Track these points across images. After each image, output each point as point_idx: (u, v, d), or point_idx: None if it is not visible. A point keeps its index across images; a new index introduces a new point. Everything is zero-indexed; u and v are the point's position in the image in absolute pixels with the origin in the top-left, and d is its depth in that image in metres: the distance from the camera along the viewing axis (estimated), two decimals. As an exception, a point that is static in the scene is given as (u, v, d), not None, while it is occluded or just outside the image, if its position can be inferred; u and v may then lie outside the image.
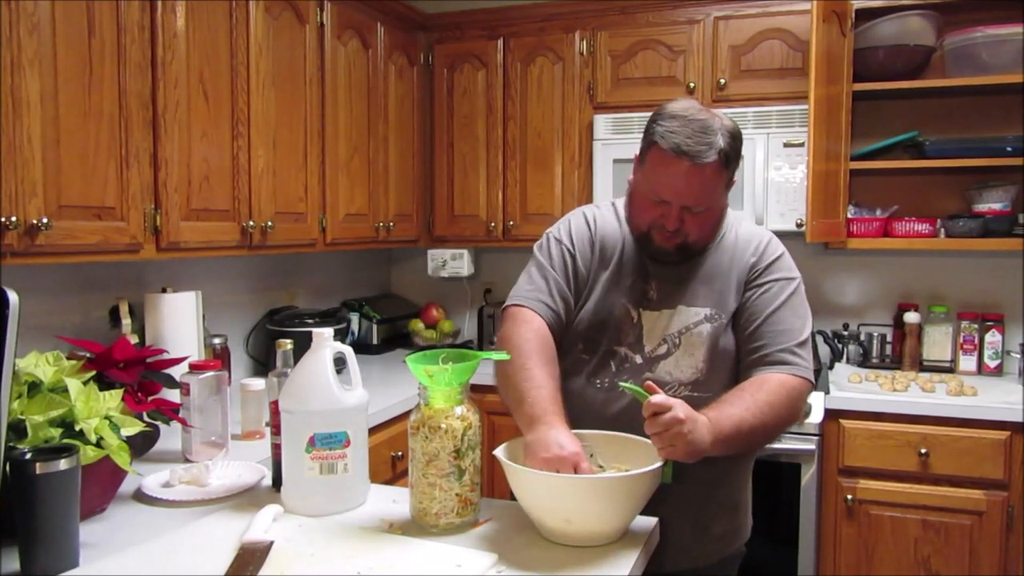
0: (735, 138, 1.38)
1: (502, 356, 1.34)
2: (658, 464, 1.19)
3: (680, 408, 1.19)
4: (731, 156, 1.37)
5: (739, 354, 1.46)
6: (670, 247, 1.43)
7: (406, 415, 2.26)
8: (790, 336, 1.41)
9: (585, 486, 1.18)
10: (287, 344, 1.49)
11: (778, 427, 1.36)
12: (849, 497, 2.47)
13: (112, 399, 1.31)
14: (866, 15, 2.68)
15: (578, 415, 1.44)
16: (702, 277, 1.47)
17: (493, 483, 2.42)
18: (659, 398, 1.20)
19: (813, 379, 1.42)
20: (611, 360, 1.47)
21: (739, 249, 1.49)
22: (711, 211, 1.41)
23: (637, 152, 1.46)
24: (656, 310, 1.47)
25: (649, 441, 1.26)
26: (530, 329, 1.43)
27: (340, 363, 1.35)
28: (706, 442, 1.22)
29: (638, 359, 1.46)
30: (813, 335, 2.82)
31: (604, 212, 1.57)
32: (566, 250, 1.52)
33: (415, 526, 1.26)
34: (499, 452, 1.26)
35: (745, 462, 1.55)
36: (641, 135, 1.45)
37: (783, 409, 1.35)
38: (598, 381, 1.47)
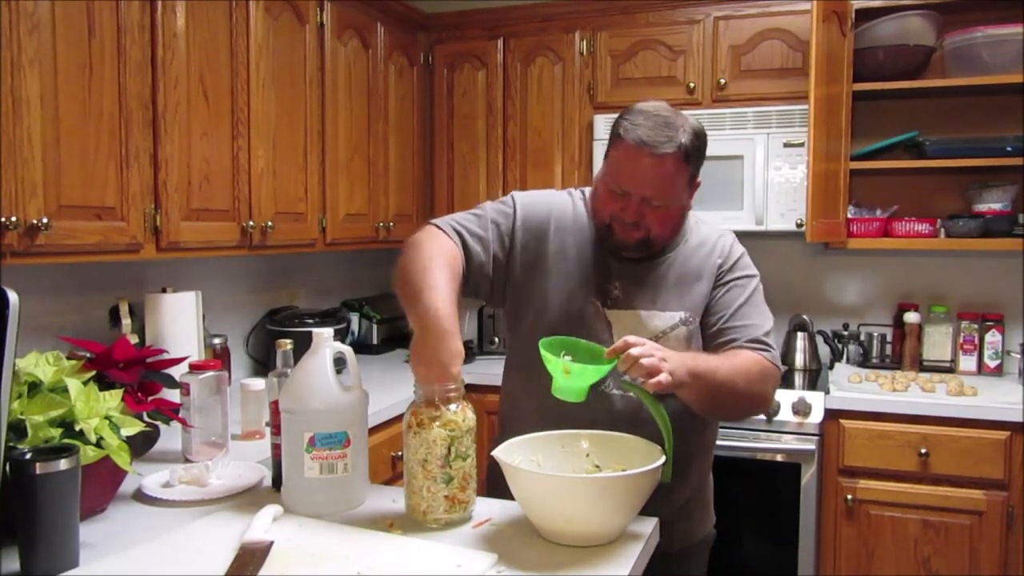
0: (698, 136, 1.41)
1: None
2: (658, 463, 1.20)
3: (633, 338, 1.25)
4: (691, 152, 1.39)
5: (709, 349, 1.47)
6: (631, 241, 1.44)
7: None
8: (756, 329, 1.45)
9: (585, 486, 1.18)
10: (287, 344, 1.49)
11: (747, 398, 1.39)
12: (849, 497, 2.47)
13: (112, 399, 1.31)
14: (866, 15, 2.68)
15: (554, 417, 1.42)
16: (672, 282, 1.49)
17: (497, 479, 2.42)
18: (631, 337, 1.25)
19: (781, 367, 1.45)
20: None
21: (705, 251, 1.51)
22: (671, 208, 1.42)
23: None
24: (622, 309, 1.48)
25: (646, 440, 1.27)
26: (444, 247, 1.41)
27: (340, 363, 1.35)
28: (685, 367, 1.26)
29: (625, 379, 1.44)
30: (812, 335, 2.87)
31: (577, 203, 1.55)
32: (511, 218, 1.51)
33: (415, 524, 1.26)
34: (499, 452, 1.26)
35: (703, 450, 1.57)
36: None
37: (755, 382, 1.38)
38: None
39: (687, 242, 1.52)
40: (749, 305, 1.48)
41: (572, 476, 1.23)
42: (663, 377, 1.21)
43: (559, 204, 1.55)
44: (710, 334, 1.47)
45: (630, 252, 1.46)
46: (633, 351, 1.22)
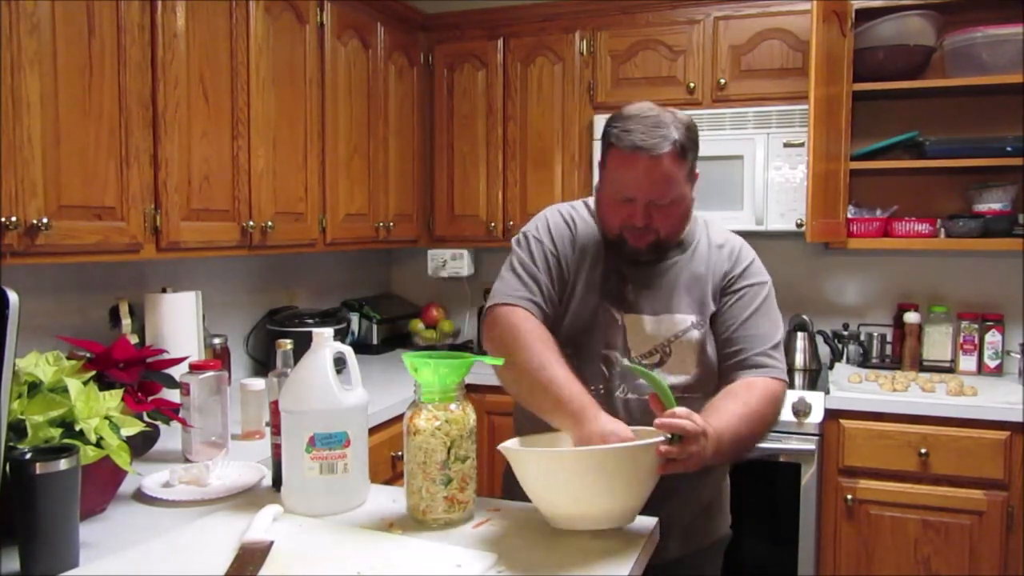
0: (690, 129, 1.42)
1: (496, 361, 1.33)
2: (662, 438, 1.18)
3: (691, 426, 1.19)
4: (687, 146, 1.40)
5: (718, 358, 1.50)
6: (643, 246, 1.45)
7: (406, 415, 2.27)
8: (765, 340, 1.47)
9: (587, 458, 1.17)
10: (287, 344, 1.49)
11: (764, 434, 1.42)
12: (849, 497, 2.47)
13: (112, 399, 1.31)
14: (866, 15, 2.68)
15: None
16: (684, 285, 1.50)
17: (494, 482, 2.42)
18: (684, 424, 1.19)
19: (787, 380, 1.48)
20: (602, 364, 1.48)
21: (713, 256, 1.52)
22: (677, 203, 1.43)
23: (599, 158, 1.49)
24: (636, 313, 1.49)
25: (655, 430, 1.26)
26: (533, 328, 1.41)
27: (340, 363, 1.35)
28: (708, 456, 1.24)
29: (626, 362, 1.47)
30: (812, 335, 2.87)
31: (580, 211, 1.57)
32: (549, 251, 1.51)
33: (415, 524, 1.26)
34: (505, 446, 1.25)
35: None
36: None
37: (770, 416, 1.42)
38: (592, 388, 1.43)
39: (698, 244, 1.54)
40: (759, 315, 1.49)
41: (573, 449, 1.22)
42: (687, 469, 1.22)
43: (577, 217, 1.56)
44: (720, 342, 1.49)
45: (644, 256, 1.48)
46: (688, 448, 1.19)
